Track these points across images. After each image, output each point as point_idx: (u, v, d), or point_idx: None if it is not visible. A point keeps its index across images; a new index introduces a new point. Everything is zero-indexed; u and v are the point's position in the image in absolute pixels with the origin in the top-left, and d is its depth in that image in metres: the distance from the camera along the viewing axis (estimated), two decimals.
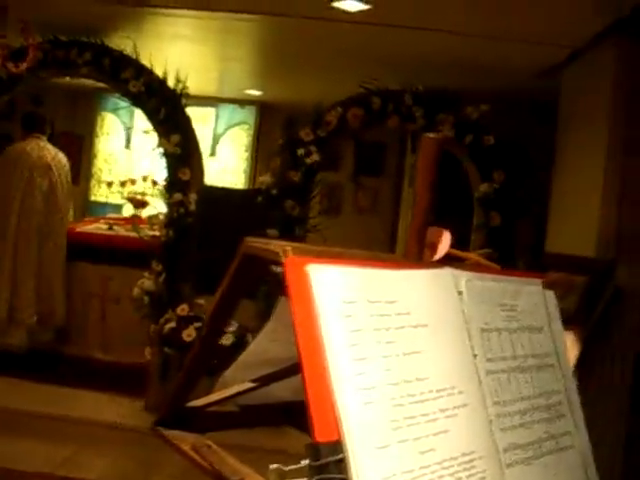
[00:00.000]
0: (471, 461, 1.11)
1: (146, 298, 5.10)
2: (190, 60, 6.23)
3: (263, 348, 1.30)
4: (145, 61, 5.32)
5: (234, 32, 5.74)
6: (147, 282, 5.18)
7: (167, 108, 5.16)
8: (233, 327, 4.63)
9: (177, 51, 6.16)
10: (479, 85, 5.65)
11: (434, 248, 1.29)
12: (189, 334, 4.87)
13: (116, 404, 5.09)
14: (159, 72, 5.28)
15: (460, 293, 1.19)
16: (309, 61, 6.21)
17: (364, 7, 4.33)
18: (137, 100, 5.31)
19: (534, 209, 5.17)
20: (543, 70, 5.22)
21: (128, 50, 5.30)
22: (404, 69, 5.16)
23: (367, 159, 7.92)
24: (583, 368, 3.55)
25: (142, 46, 5.36)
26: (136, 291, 5.17)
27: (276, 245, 1.07)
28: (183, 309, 4.98)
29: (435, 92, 5.10)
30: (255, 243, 1.13)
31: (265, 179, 5.00)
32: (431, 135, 1.21)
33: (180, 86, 5.27)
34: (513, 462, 1.21)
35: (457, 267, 1.24)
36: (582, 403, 3.91)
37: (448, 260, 1.35)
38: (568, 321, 3.56)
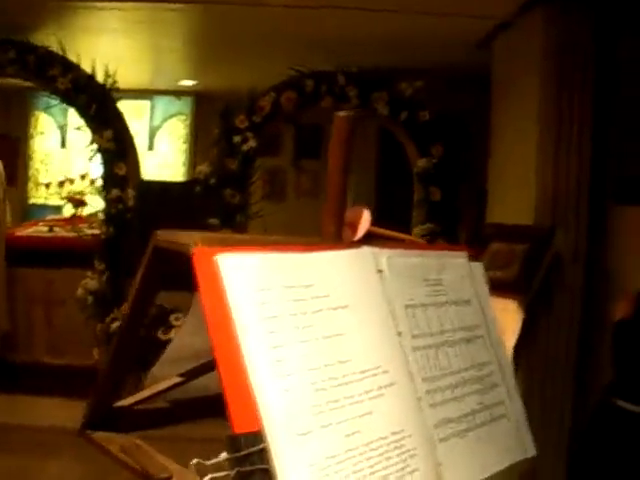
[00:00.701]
0: (401, 439, 1.10)
1: (90, 298, 5.02)
2: (121, 53, 6.11)
3: (187, 342, 1.27)
4: (73, 57, 5.20)
5: (163, 22, 5.65)
6: (90, 282, 5.09)
7: (97, 103, 5.06)
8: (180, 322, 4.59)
9: (106, 45, 6.04)
10: (413, 62, 5.64)
11: (354, 228, 1.27)
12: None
13: (66, 408, 5.00)
14: (88, 67, 5.17)
15: (381, 271, 1.18)
16: (241, 48, 6.14)
17: None
18: (66, 97, 5.20)
19: (474, 181, 5.20)
20: (474, 42, 5.23)
21: (54, 46, 5.17)
22: (336, 50, 5.12)
23: (306, 142, 7.88)
24: (528, 335, 3.59)
25: (69, 42, 5.24)
26: (80, 291, 5.08)
27: (185, 236, 1.04)
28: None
29: (368, 71, 5.09)
30: (165, 236, 1.10)
31: (202, 169, 4.95)
32: (342, 113, 1.19)
33: (110, 80, 5.17)
34: (447, 436, 1.20)
35: (379, 245, 1.22)
36: (529, 369, 3.94)
37: (370, 239, 1.33)
38: (510, 289, 3.60)
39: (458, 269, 1.37)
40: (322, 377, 1.02)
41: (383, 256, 1.19)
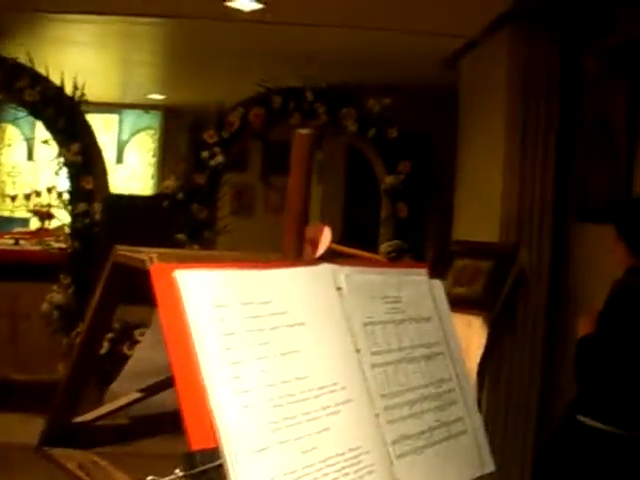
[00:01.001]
0: (358, 456, 1.10)
1: (56, 312, 4.97)
2: (90, 66, 6.10)
3: (147, 357, 1.27)
4: (41, 69, 5.17)
5: (133, 36, 5.65)
6: (56, 296, 5.05)
7: (65, 116, 5.03)
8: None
9: (76, 57, 6.02)
10: (381, 78, 5.69)
11: (315, 245, 1.28)
12: (102, 346, 4.76)
13: (28, 424, 4.93)
14: (56, 80, 5.14)
15: (339, 289, 1.19)
16: (210, 63, 6.16)
17: (257, 6, 4.31)
18: (34, 109, 5.16)
19: (441, 198, 5.24)
20: (442, 60, 5.29)
21: (23, 58, 5.13)
22: (305, 66, 5.14)
23: (275, 158, 7.90)
24: (493, 350, 3.61)
25: (38, 53, 5.20)
26: (45, 306, 5.04)
27: (143, 253, 1.04)
28: None
29: (337, 87, 5.12)
30: (124, 251, 1.10)
31: (169, 183, 4.93)
32: (303, 131, 1.20)
33: (78, 93, 5.14)
34: (404, 453, 1.21)
35: (338, 263, 1.23)
36: (494, 384, 3.95)
37: (332, 256, 1.34)
38: (475, 306, 3.62)
39: (418, 286, 1.39)
40: (279, 393, 1.03)
41: (342, 273, 1.20)
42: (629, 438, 2.64)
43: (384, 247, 4.93)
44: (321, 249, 1.27)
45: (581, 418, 2.82)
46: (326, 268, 1.18)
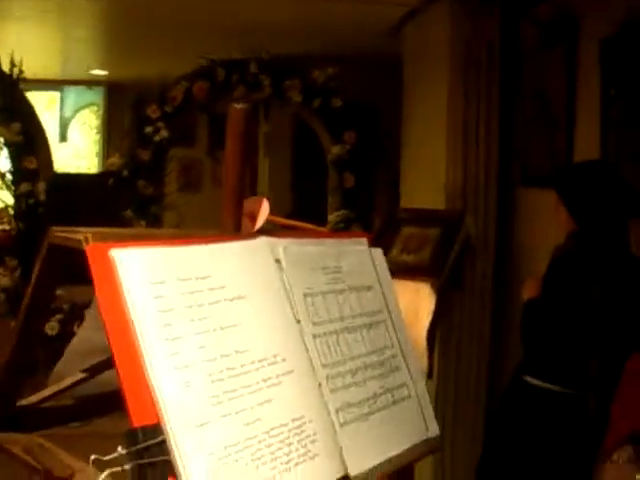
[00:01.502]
0: (301, 425, 1.12)
1: (2, 295, 4.90)
2: (28, 42, 5.95)
3: (89, 337, 1.27)
4: None
5: (72, 10, 5.52)
6: (2, 279, 4.97)
7: (4, 95, 4.91)
8: None
9: (12, 33, 5.87)
10: (325, 49, 5.66)
11: (253, 218, 1.28)
12: (52, 327, 4.72)
13: None
14: None
15: (278, 261, 1.19)
16: (152, 37, 6.06)
17: None
18: None
19: (388, 167, 5.26)
20: (386, 30, 5.28)
21: None
22: (248, 38, 5.09)
23: (221, 132, 7.82)
24: (442, 316, 3.66)
25: None
26: None
27: (79, 233, 1.04)
28: None
29: (281, 59, 5.09)
30: (60, 232, 1.09)
31: (114, 160, 4.87)
32: (238, 105, 1.20)
33: (16, 70, 5.03)
34: (348, 420, 1.23)
35: (277, 235, 1.24)
36: (444, 349, 4.00)
37: (271, 229, 1.34)
38: (423, 273, 3.66)
39: (358, 256, 1.40)
40: (220, 368, 1.04)
41: (280, 246, 1.20)
42: (573, 396, 2.71)
43: (332, 217, 4.95)
44: (259, 222, 1.28)
45: (528, 379, 2.89)
46: (264, 241, 1.19)
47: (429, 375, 3.59)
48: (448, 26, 4.28)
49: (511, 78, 4.23)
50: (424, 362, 3.52)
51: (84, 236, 0.99)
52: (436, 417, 4.18)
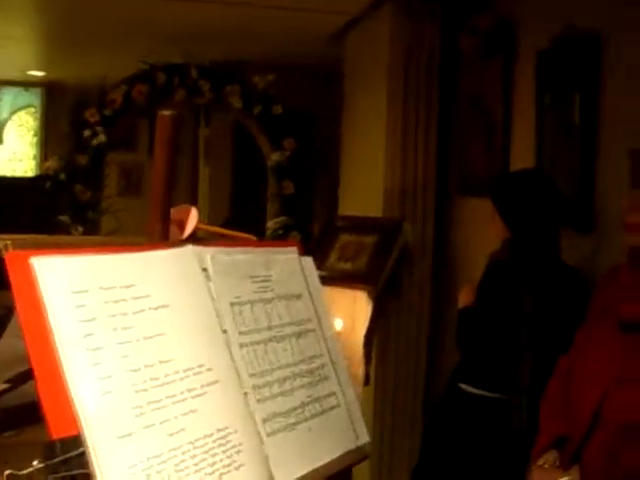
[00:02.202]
0: (226, 436, 1.11)
1: None
2: None
3: (13, 344, 1.23)
4: None
5: (8, 9, 5.41)
6: None
7: None
8: None
9: None
10: (266, 55, 5.66)
11: (182, 226, 1.27)
12: None
13: None
14: None
15: (205, 270, 1.19)
16: (91, 38, 5.98)
17: None
18: None
19: (328, 174, 5.28)
20: (327, 37, 5.31)
21: None
22: (188, 43, 5.07)
23: None
24: (379, 324, 3.67)
25: None
26: None
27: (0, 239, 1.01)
28: None
29: (222, 64, 5.08)
30: None
31: (51, 164, 4.80)
32: (165, 112, 1.19)
33: None
34: (275, 430, 1.23)
35: (205, 244, 1.23)
36: (381, 357, 4.01)
37: (199, 237, 1.33)
38: (360, 280, 3.67)
39: (287, 264, 1.40)
40: (143, 378, 1.02)
41: (208, 254, 1.19)
42: (507, 402, 2.76)
43: (271, 224, 4.95)
44: (188, 230, 1.27)
45: (462, 386, 2.92)
46: (191, 249, 1.18)
47: (366, 382, 3.61)
48: (388, 33, 4.31)
49: (450, 86, 4.29)
50: (361, 369, 3.53)
51: (4, 243, 0.97)
52: (374, 423, 4.20)
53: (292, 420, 1.27)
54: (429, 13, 4.25)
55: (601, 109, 3.03)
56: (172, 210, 1.26)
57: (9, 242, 0.97)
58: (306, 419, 1.30)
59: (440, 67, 4.24)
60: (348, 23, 4.98)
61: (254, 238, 1.41)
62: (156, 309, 1.08)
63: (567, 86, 3.19)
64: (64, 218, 4.73)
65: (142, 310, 1.06)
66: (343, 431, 1.41)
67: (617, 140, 2.95)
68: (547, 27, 3.34)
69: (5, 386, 1.35)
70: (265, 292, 1.31)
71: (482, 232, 3.40)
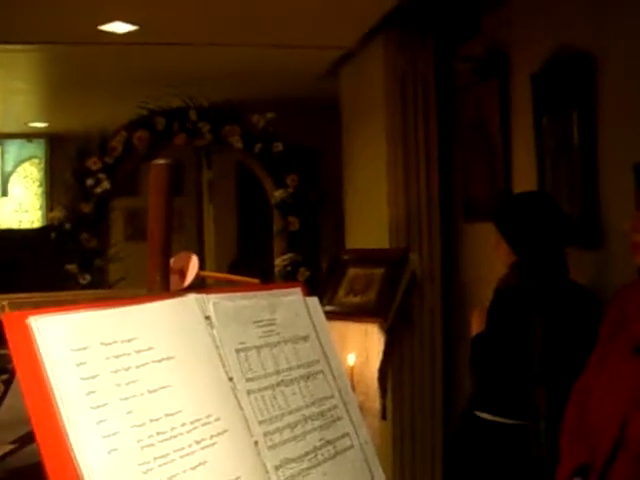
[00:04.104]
0: None
1: None
2: None
3: (16, 406, 1.22)
4: None
5: (8, 63, 5.49)
6: None
7: None
8: None
9: None
10: (264, 93, 5.71)
11: (183, 275, 1.26)
12: None
13: None
14: None
15: (208, 318, 1.17)
16: (90, 88, 6.04)
17: (131, 28, 4.26)
18: None
19: (333, 208, 5.27)
20: (322, 72, 5.34)
21: None
22: (186, 86, 5.10)
23: None
24: (393, 355, 3.66)
25: None
26: None
27: None
28: None
29: (220, 105, 5.11)
30: None
31: (56, 214, 4.82)
32: (159, 161, 1.18)
33: None
34: (288, 477, 1.20)
35: (207, 291, 1.21)
36: (397, 388, 3.99)
37: (202, 285, 1.32)
38: (370, 314, 3.67)
39: (292, 306, 1.38)
40: (149, 432, 1.00)
41: (210, 301, 1.18)
42: (525, 428, 2.72)
43: (279, 261, 4.94)
44: (189, 279, 1.26)
45: (479, 413, 2.89)
46: (193, 298, 1.16)
47: (383, 416, 3.58)
48: (382, 65, 4.34)
49: (448, 113, 4.30)
50: (377, 403, 3.50)
51: (0, 305, 0.96)
52: (394, 457, 4.16)
53: (305, 465, 1.24)
54: (421, 42, 4.28)
55: (599, 126, 3.03)
56: (172, 259, 1.25)
57: (5, 303, 0.96)
58: (319, 463, 1.28)
59: (436, 93, 4.26)
60: (342, 57, 5.01)
61: (257, 281, 1.39)
62: (159, 361, 1.06)
63: (564, 106, 3.19)
64: (71, 267, 4.73)
65: (145, 363, 1.04)
66: (358, 472, 1.39)
67: (617, 155, 2.94)
68: (539, 49, 3.35)
69: (11, 447, 1.33)
70: (270, 336, 1.29)
71: (489, 257, 3.38)
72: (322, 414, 1.34)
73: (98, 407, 0.97)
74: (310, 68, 5.21)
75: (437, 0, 4.13)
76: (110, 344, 1.02)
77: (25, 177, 8.45)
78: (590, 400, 2.08)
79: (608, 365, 2.06)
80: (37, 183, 8.44)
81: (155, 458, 0.99)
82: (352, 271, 3.69)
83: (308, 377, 1.34)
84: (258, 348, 1.25)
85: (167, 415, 1.04)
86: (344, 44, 4.74)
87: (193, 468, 1.04)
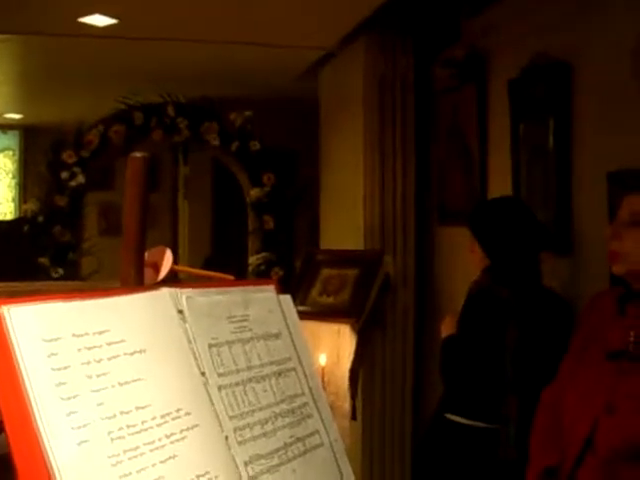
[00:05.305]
0: None
1: None
2: None
3: None
4: None
5: None
6: None
7: None
8: None
9: None
10: (242, 91, 5.70)
11: (157, 269, 1.26)
12: None
13: None
14: None
15: (181, 312, 1.17)
16: (68, 80, 5.99)
17: (111, 21, 4.23)
18: None
19: (308, 208, 5.28)
20: (301, 72, 5.35)
21: None
22: (165, 81, 5.09)
23: None
24: (364, 356, 3.67)
25: None
26: None
27: None
28: None
29: (198, 102, 5.10)
30: None
31: (29, 206, 4.78)
32: (136, 154, 1.18)
33: None
34: (257, 473, 1.20)
35: (180, 285, 1.21)
36: (368, 389, 3.99)
37: (175, 279, 1.32)
38: (343, 314, 3.67)
39: (265, 303, 1.38)
40: (119, 425, 1.00)
41: (183, 296, 1.18)
42: (495, 431, 2.74)
43: (253, 260, 4.94)
44: (163, 273, 1.25)
45: (449, 416, 2.90)
46: (166, 292, 1.16)
47: (353, 417, 3.58)
48: (362, 67, 4.35)
49: (426, 116, 4.32)
50: (347, 403, 3.51)
51: None
52: (363, 457, 4.17)
53: (275, 461, 1.24)
54: (401, 45, 4.30)
55: (574, 134, 3.07)
56: (146, 253, 1.24)
57: None
58: (289, 460, 1.28)
59: (415, 97, 4.28)
60: (322, 58, 5.02)
61: (231, 278, 1.39)
62: (131, 354, 1.06)
63: (540, 112, 3.22)
64: (44, 260, 4.70)
65: (117, 356, 1.04)
66: (327, 470, 1.39)
67: (591, 163, 2.98)
68: (517, 56, 3.38)
69: None
70: (243, 332, 1.29)
71: (463, 261, 3.40)
72: (292, 411, 1.34)
73: (69, 398, 0.96)
74: (290, 68, 5.21)
75: (418, 4, 4.15)
76: (82, 335, 1.01)
77: None
78: (562, 404, 2.10)
79: (581, 370, 2.08)
80: (10, 175, 8.37)
81: (125, 451, 0.99)
82: (326, 271, 3.70)
83: (279, 374, 1.35)
84: (230, 344, 1.25)
85: (138, 408, 1.03)
86: (324, 45, 4.75)
87: (163, 462, 1.03)
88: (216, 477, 1.11)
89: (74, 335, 1.00)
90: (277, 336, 1.38)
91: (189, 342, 1.16)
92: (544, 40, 3.21)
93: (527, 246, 2.83)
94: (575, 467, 1.98)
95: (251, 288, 1.37)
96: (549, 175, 3.17)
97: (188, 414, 1.10)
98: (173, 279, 1.30)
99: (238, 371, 1.24)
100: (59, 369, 0.97)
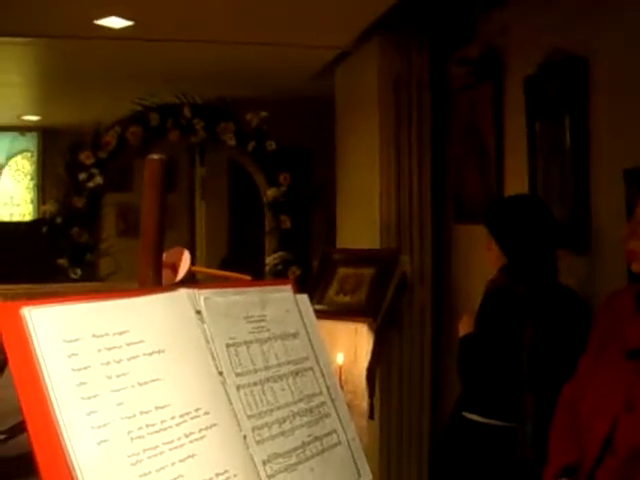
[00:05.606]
0: None
1: None
2: None
3: (7, 396, 1.22)
4: None
5: (3, 57, 5.47)
6: None
7: None
8: None
9: None
10: (258, 91, 5.71)
11: (175, 270, 1.27)
12: None
13: None
14: None
15: (199, 312, 1.18)
16: (85, 82, 6.03)
17: (127, 23, 4.25)
18: None
19: (324, 208, 5.29)
20: (316, 72, 5.35)
21: None
22: (180, 82, 5.11)
23: None
24: (382, 355, 3.67)
25: None
26: None
27: None
28: None
29: (214, 102, 5.12)
30: None
31: (48, 208, 4.81)
32: (154, 156, 1.19)
33: None
34: (275, 472, 1.21)
35: (198, 286, 1.22)
36: (386, 388, 4.00)
37: (193, 280, 1.33)
38: (360, 313, 3.67)
39: (282, 303, 1.39)
40: (139, 425, 1.01)
41: (201, 296, 1.19)
42: (513, 430, 2.73)
43: (270, 259, 4.95)
44: (181, 273, 1.26)
45: (467, 414, 2.90)
46: (184, 293, 1.17)
47: (371, 416, 3.59)
48: (377, 66, 4.35)
49: (442, 115, 4.31)
50: (365, 402, 3.52)
51: None
52: (380, 456, 4.17)
53: (293, 460, 1.25)
54: (417, 44, 4.29)
55: (591, 131, 3.05)
56: (164, 254, 1.25)
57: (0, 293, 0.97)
58: (307, 459, 1.29)
59: (431, 96, 4.27)
60: (337, 57, 5.02)
61: (249, 278, 1.40)
62: (150, 354, 1.07)
63: (556, 109, 3.21)
64: (62, 261, 4.73)
65: (136, 356, 1.05)
66: (345, 469, 1.40)
67: (608, 160, 2.96)
68: (533, 53, 3.37)
69: (1, 437, 1.33)
70: (261, 332, 1.30)
71: (480, 259, 3.40)
72: (310, 410, 1.35)
73: (89, 398, 0.98)
74: (305, 67, 5.22)
75: (434, 2, 4.15)
76: (102, 336, 1.03)
77: (17, 170, 8.43)
78: (581, 402, 2.09)
79: (600, 369, 2.08)
80: (29, 177, 8.43)
81: (144, 450, 1.00)
82: (342, 271, 3.71)
83: (297, 373, 1.35)
84: (248, 343, 1.26)
85: (157, 408, 1.05)
86: (339, 44, 4.75)
87: (182, 461, 1.04)
88: (235, 476, 1.12)
89: (94, 336, 1.02)
90: (294, 336, 1.39)
91: (207, 342, 1.17)
92: (560, 36, 3.20)
93: (544, 244, 2.82)
94: (595, 466, 1.97)
95: (268, 288, 1.38)
96: (566, 172, 3.16)
97: (207, 413, 1.11)
98: (191, 280, 1.31)
99: (256, 371, 1.25)
100: (79, 369, 0.98)
